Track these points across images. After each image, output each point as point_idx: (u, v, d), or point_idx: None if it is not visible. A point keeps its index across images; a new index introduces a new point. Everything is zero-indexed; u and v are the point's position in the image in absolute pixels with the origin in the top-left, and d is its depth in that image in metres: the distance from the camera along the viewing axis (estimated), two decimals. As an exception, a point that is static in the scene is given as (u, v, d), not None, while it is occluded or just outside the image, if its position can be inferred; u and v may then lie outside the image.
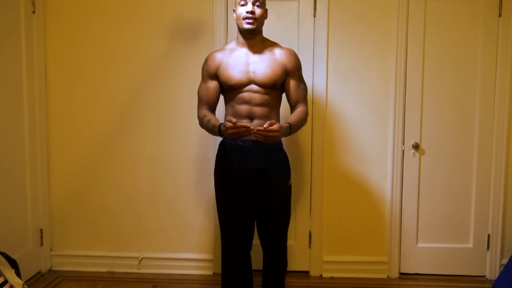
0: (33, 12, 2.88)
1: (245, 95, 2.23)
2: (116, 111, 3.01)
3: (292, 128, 2.20)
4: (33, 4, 2.87)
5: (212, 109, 2.34)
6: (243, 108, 2.23)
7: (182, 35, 2.94)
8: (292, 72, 2.29)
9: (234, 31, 2.86)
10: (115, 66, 2.98)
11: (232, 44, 2.33)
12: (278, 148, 2.33)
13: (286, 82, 2.30)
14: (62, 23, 2.97)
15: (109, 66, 2.98)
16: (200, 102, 2.35)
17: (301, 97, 2.32)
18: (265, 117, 2.23)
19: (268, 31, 2.80)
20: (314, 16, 2.88)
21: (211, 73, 2.30)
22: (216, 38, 2.89)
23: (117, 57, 2.97)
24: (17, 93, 2.81)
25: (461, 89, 2.91)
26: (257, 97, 2.22)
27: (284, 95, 2.37)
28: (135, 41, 2.96)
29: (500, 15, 2.84)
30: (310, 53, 2.89)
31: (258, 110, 2.23)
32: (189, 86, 2.88)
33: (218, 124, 2.19)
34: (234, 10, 2.27)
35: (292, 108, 2.34)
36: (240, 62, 2.24)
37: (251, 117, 2.24)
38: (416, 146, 2.93)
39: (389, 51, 2.89)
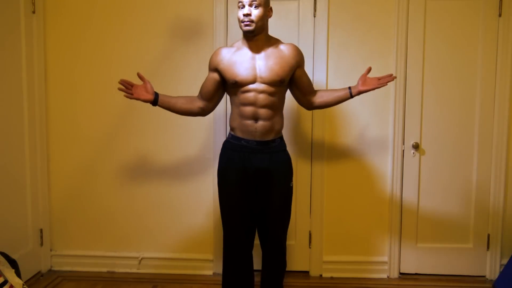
0: (33, 12, 2.88)
1: (250, 95, 2.23)
2: (116, 111, 3.01)
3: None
4: (33, 4, 2.87)
5: (206, 100, 2.37)
6: (248, 109, 2.24)
7: (182, 35, 2.94)
8: (302, 64, 2.35)
9: (234, 31, 2.86)
10: (115, 66, 2.97)
11: (239, 43, 2.34)
12: (282, 149, 2.36)
13: (297, 75, 2.33)
14: (62, 23, 2.97)
15: (109, 65, 2.98)
16: (199, 92, 2.40)
17: (312, 85, 2.44)
18: (269, 119, 2.25)
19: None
20: (314, 16, 2.88)
21: (212, 67, 2.33)
22: (216, 37, 2.89)
23: (117, 56, 2.97)
24: (17, 93, 2.81)
25: (461, 89, 2.91)
26: (262, 98, 2.23)
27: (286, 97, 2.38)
28: (135, 40, 2.96)
29: (500, 15, 2.84)
30: (310, 53, 2.89)
31: (263, 112, 2.24)
32: (189, 85, 2.87)
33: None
34: None
35: (309, 94, 2.41)
36: (246, 59, 2.25)
37: (255, 119, 2.24)
38: (416, 146, 2.93)
39: (389, 51, 2.89)
